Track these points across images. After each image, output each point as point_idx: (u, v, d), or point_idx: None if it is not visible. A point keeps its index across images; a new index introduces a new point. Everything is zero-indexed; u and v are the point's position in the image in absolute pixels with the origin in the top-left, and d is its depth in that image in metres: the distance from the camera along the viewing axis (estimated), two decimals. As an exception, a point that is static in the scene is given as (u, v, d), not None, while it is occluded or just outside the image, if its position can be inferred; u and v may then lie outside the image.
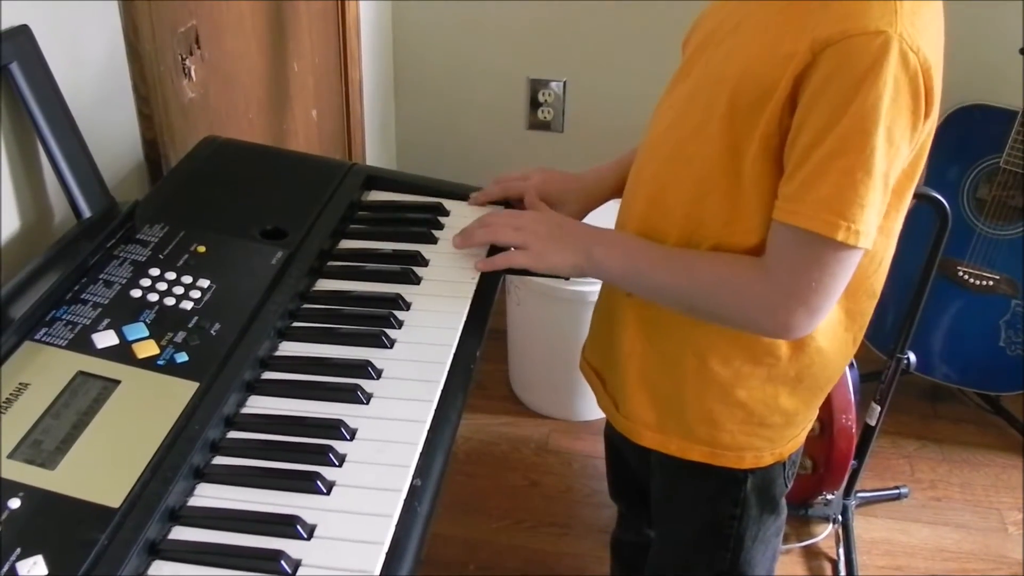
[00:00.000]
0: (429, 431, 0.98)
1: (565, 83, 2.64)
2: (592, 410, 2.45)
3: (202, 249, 1.14)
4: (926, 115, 0.99)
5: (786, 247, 1.04)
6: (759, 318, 1.10)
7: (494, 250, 1.23)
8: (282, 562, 0.82)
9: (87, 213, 1.13)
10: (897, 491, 2.31)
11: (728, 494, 1.28)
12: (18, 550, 0.78)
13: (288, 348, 1.09)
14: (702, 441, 1.24)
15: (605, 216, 1.36)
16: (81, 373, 0.95)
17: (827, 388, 1.26)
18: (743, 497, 1.27)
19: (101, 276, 1.07)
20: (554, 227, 1.21)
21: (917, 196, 1.89)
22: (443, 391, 1.03)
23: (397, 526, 0.87)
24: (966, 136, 2.32)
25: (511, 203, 1.36)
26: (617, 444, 1.53)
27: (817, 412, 1.30)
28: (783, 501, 1.33)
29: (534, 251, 1.19)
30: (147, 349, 0.99)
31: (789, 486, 1.32)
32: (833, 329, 1.16)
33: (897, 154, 0.99)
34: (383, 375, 1.05)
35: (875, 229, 1.01)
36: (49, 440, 0.88)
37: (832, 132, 0.96)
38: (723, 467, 1.25)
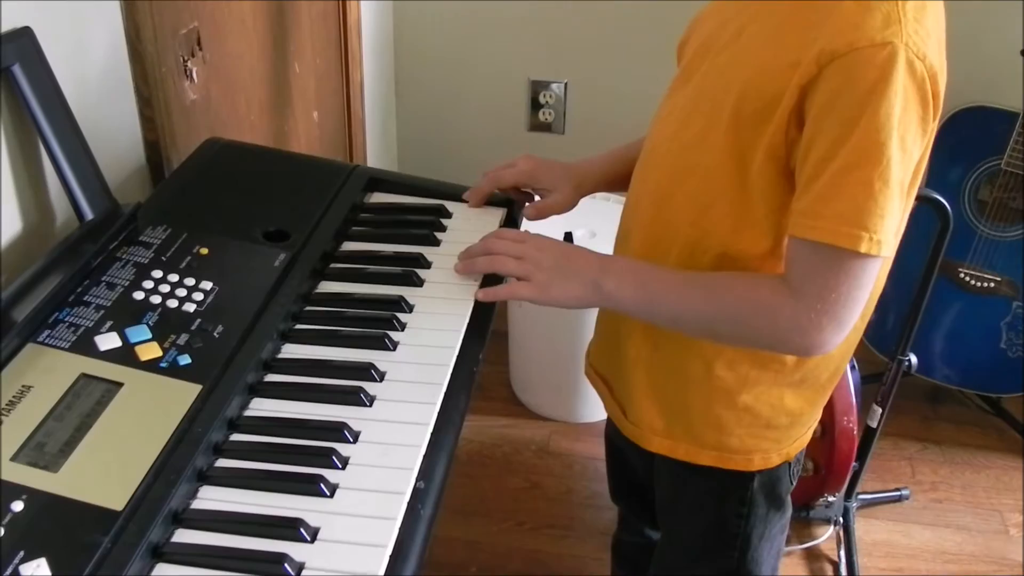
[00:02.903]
0: (432, 433, 0.98)
1: (566, 84, 2.64)
2: (593, 412, 2.45)
3: (204, 251, 1.14)
4: (934, 119, 0.99)
5: (809, 263, 1.03)
6: (790, 339, 1.07)
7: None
8: (285, 565, 0.82)
9: (89, 215, 1.13)
10: (898, 493, 2.31)
11: (735, 494, 1.28)
12: (21, 553, 0.78)
13: (291, 350, 1.08)
14: (710, 446, 1.24)
15: (601, 213, 1.36)
16: (84, 375, 0.95)
17: (830, 387, 1.26)
18: (750, 496, 1.27)
19: (104, 278, 1.07)
20: (559, 257, 1.16)
21: (919, 198, 1.88)
22: (446, 393, 1.03)
23: (400, 529, 0.87)
24: (967, 138, 2.32)
25: (515, 213, 1.36)
26: (619, 446, 1.52)
27: (821, 411, 1.30)
28: (788, 499, 1.33)
29: (537, 283, 1.15)
30: (150, 351, 0.99)
31: (794, 484, 1.32)
32: None
33: (910, 161, 0.99)
34: (386, 377, 1.05)
35: (894, 237, 1.00)
36: (52, 443, 0.87)
37: (845, 145, 0.96)
38: (730, 469, 1.25)
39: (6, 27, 1.05)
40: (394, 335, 1.10)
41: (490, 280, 1.20)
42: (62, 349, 0.97)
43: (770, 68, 1.02)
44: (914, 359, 2.04)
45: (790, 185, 1.04)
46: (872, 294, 1.13)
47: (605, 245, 1.29)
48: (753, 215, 1.08)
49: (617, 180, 1.32)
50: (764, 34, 1.05)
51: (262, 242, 1.19)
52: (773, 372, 1.18)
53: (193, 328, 1.03)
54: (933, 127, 1.01)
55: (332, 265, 1.22)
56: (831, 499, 2.16)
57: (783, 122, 1.00)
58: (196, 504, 0.89)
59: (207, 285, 1.09)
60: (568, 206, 1.35)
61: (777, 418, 1.22)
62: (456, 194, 1.37)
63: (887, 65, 0.94)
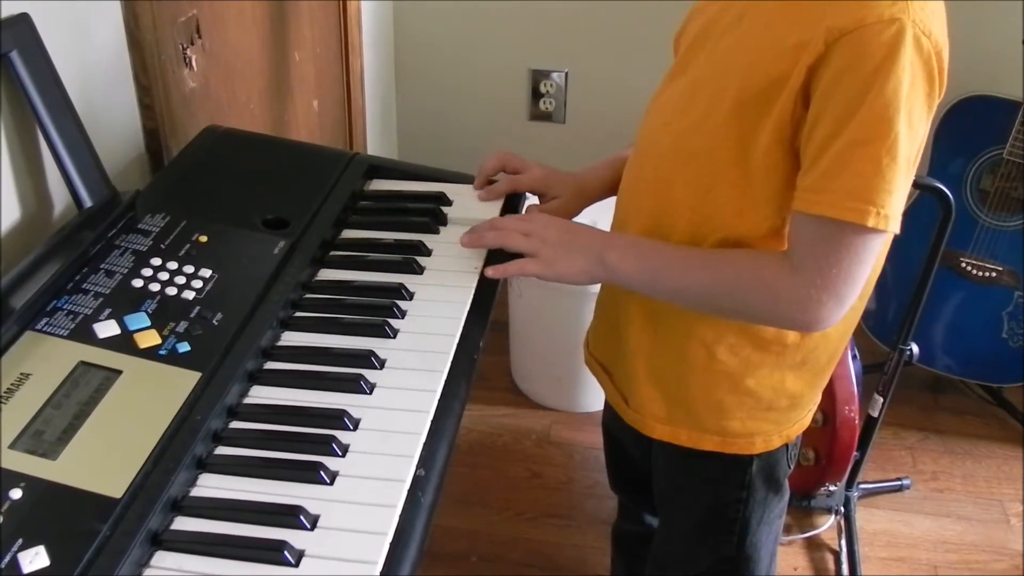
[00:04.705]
0: (433, 421, 0.97)
1: (567, 74, 2.64)
2: (594, 401, 2.45)
3: (204, 239, 1.14)
4: (938, 96, 1.00)
5: (812, 238, 1.03)
6: (791, 314, 1.08)
7: (498, 252, 1.21)
8: (285, 552, 0.81)
9: (88, 203, 1.13)
10: (899, 482, 2.31)
11: (733, 478, 1.28)
12: (19, 541, 0.78)
13: (290, 338, 1.08)
14: (712, 431, 1.24)
15: (603, 203, 1.36)
16: (82, 363, 0.94)
17: (830, 369, 1.26)
18: (748, 480, 1.28)
19: (102, 266, 1.07)
20: (564, 232, 1.18)
21: (921, 187, 1.89)
22: (446, 381, 1.03)
23: (401, 516, 0.86)
24: (969, 127, 2.31)
25: (514, 199, 1.36)
26: (617, 434, 1.53)
27: (821, 393, 1.30)
28: (786, 483, 1.33)
29: (544, 258, 1.16)
30: (149, 339, 0.99)
31: (791, 467, 1.33)
32: None
33: (916, 137, 0.99)
34: (386, 365, 1.04)
35: (900, 213, 1.00)
36: (50, 430, 0.87)
37: (853, 120, 0.96)
38: (732, 453, 1.25)
39: (4, 14, 1.05)
40: (394, 322, 1.10)
41: (495, 257, 1.20)
42: (60, 337, 0.97)
43: (775, 49, 1.02)
44: (915, 349, 2.04)
45: (795, 166, 1.04)
46: (871, 273, 1.13)
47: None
48: (755, 198, 1.08)
49: (618, 185, 1.32)
50: (766, 17, 1.05)
51: (261, 230, 1.19)
52: (774, 355, 1.18)
53: (192, 316, 1.03)
54: (936, 104, 1.02)
55: (332, 253, 1.22)
56: (832, 488, 2.16)
57: (790, 102, 1.01)
58: (195, 492, 0.89)
59: (206, 273, 1.09)
60: (572, 213, 1.36)
61: (778, 400, 1.22)
62: (455, 180, 1.37)
63: (895, 41, 0.94)
